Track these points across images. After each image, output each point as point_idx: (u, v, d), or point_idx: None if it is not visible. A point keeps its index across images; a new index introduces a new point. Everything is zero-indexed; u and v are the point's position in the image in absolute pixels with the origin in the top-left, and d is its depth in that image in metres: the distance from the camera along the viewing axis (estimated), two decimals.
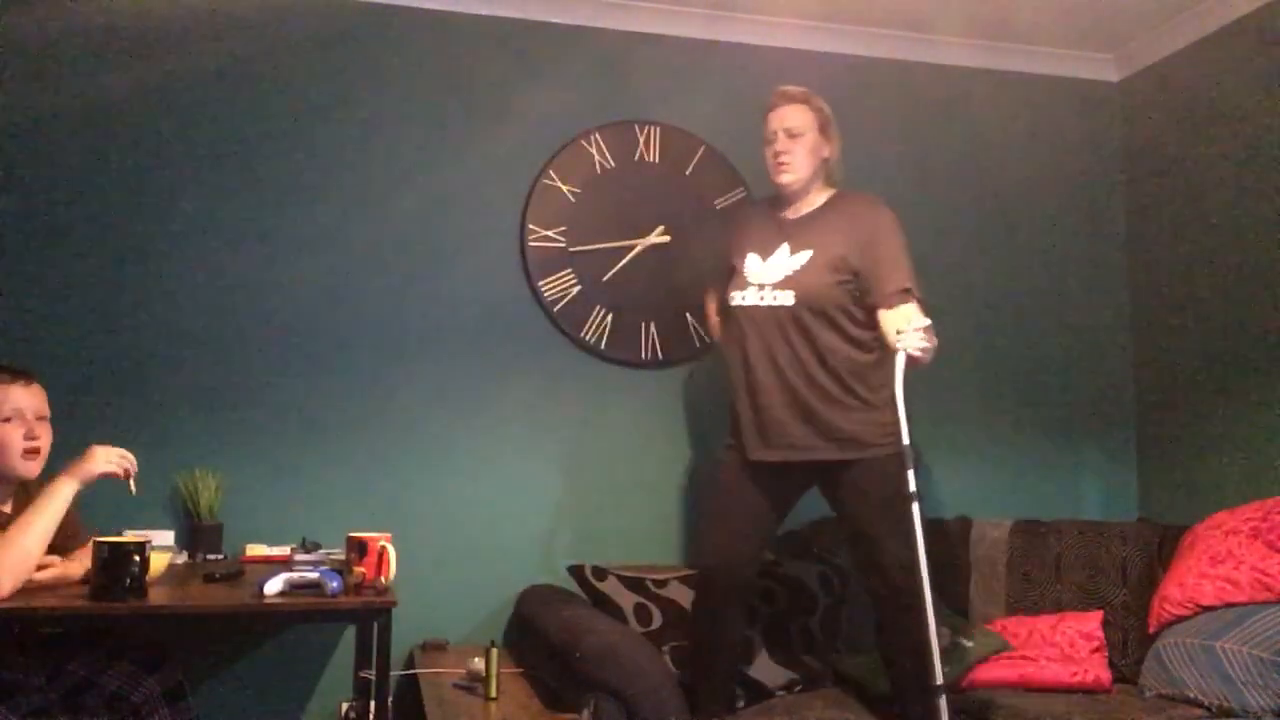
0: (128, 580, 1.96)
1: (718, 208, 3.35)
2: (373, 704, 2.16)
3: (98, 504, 2.35)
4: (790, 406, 2.47)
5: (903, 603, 2.33)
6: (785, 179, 2.56)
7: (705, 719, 2.44)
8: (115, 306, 2.93)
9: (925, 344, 2.23)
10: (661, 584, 2.81)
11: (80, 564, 2.14)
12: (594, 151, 3.30)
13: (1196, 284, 3.40)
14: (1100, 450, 3.61)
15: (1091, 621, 2.89)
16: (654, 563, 3.17)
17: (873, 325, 2.46)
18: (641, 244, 3.30)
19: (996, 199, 3.62)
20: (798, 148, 2.54)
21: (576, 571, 2.81)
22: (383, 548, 2.12)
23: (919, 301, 2.42)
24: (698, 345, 3.29)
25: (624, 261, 3.28)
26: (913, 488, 2.19)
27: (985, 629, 2.90)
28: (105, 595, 1.95)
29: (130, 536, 2.10)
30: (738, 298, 2.55)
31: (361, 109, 3.15)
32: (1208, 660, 2.50)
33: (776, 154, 2.56)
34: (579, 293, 3.24)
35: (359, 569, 2.12)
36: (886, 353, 2.42)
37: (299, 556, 2.66)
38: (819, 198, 2.60)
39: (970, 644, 2.76)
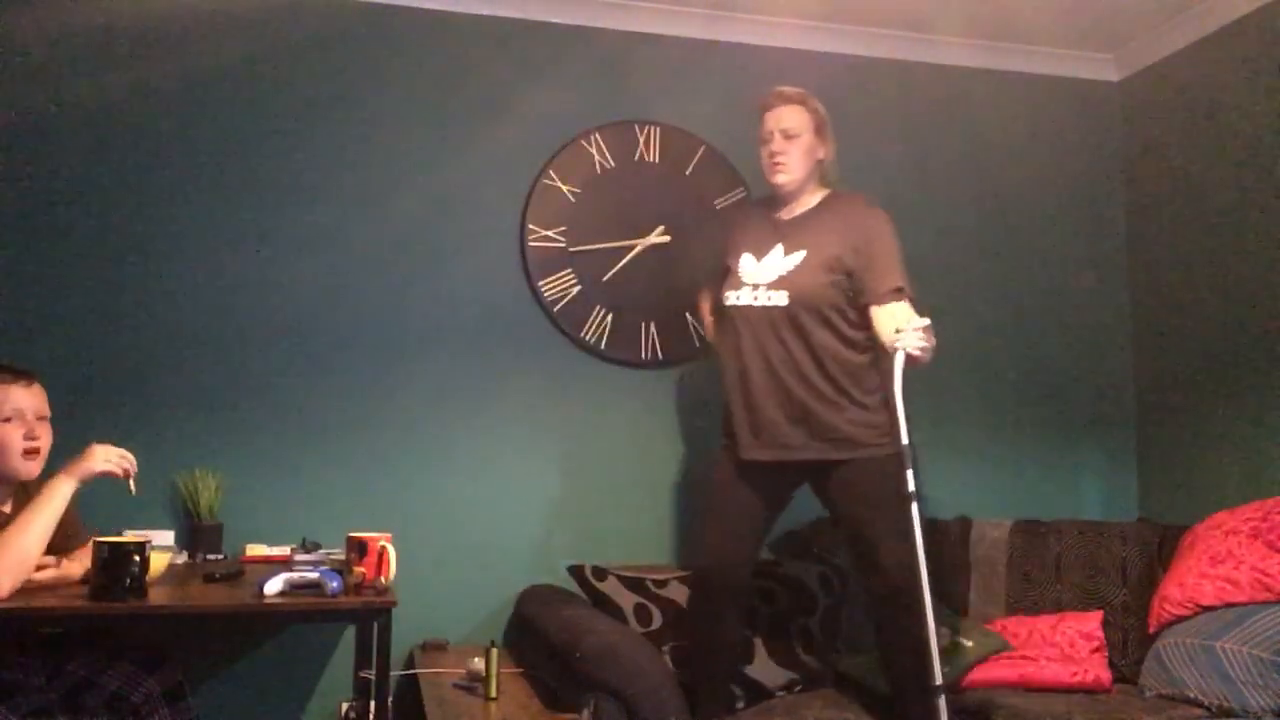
0: (128, 580, 1.96)
1: (718, 208, 3.35)
2: (373, 704, 2.16)
3: (98, 504, 2.36)
4: (784, 406, 2.47)
5: (902, 603, 2.33)
6: (780, 179, 2.57)
7: None
8: (115, 306, 2.93)
9: (924, 343, 2.23)
10: (661, 584, 2.81)
11: (80, 564, 2.14)
12: (594, 151, 3.30)
13: (1196, 284, 3.40)
14: (1100, 450, 3.61)
15: (1091, 621, 2.89)
16: (654, 563, 3.18)
17: (866, 326, 2.47)
18: (641, 244, 3.30)
19: (996, 199, 3.62)
20: (793, 148, 2.55)
21: (576, 571, 2.81)
22: (383, 548, 2.12)
23: (911, 301, 2.43)
24: (698, 345, 3.28)
25: (624, 261, 3.28)
26: (912, 487, 2.19)
27: (985, 629, 2.90)
28: (105, 595, 1.95)
29: (130, 536, 2.10)
30: (732, 298, 2.55)
31: (361, 109, 3.15)
32: (1208, 660, 2.50)
33: (772, 154, 2.56)
34: (579, 293, 3.24)
35: (359, 569, 2.12)
36: (880, 353, 2.43)
37: (299, 556, 2.66)
38: (813, 198, 2.61)
39: (970, 644, 2.76)
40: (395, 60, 3.19)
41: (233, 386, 2.98)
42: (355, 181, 3.13)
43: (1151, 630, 2.76)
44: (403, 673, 2.80)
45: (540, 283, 3.21)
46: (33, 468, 2.18)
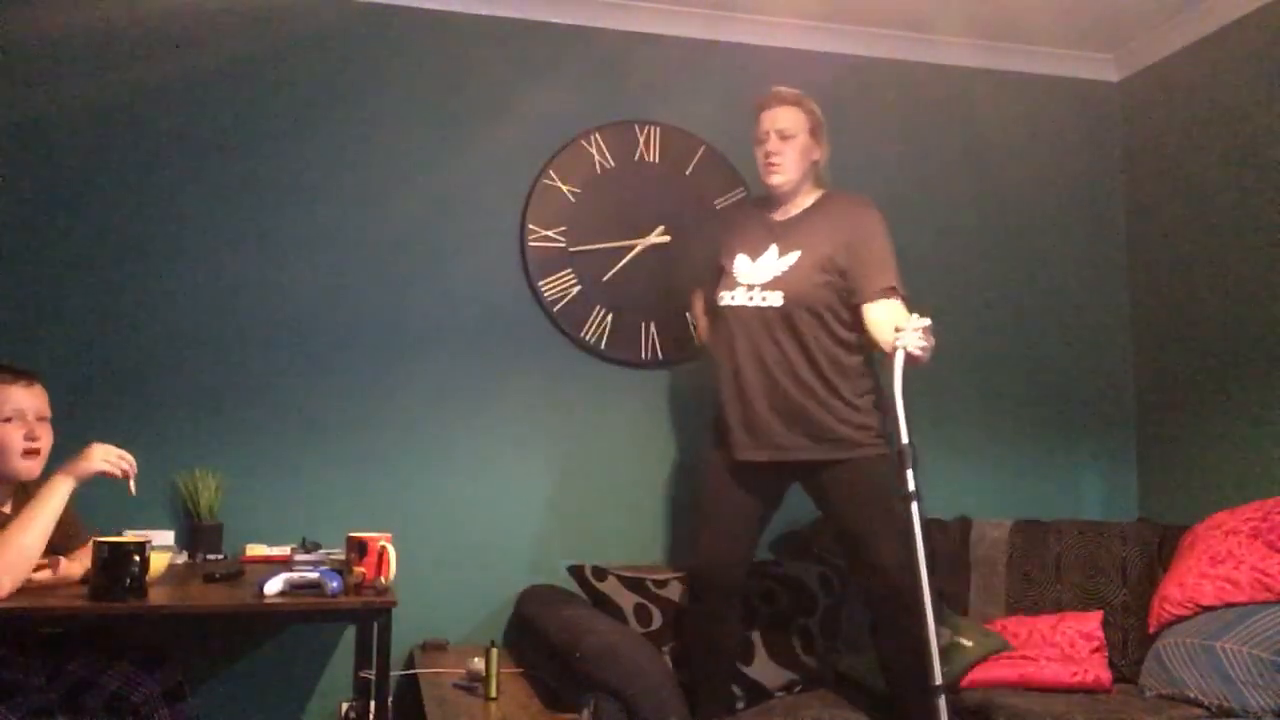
0: (128, 580, 1.96)
1: (718, 208, 3.35)
2: (373, 704, 2.16)
3: (98, 504, 2.36)
4: (777, 407, 2.48)
5: (901, 603, 2.34)
6: (775, 180, 2.57)
7: None
8: (115, 306, 2.93)
9: (924, 343, 2.23)
10: (661, 584, 2.81)
11: (80, 564, 2.14)
12: (594, 151, 3.30)
13: (1196, 284, 3.40)
14: (1100, 450, 3.61)
15: (1091, 621, 2.89)
16: (654, 563, 3.18)
17: (860, 326, 2.47)
18: (641, 244, 3.30)
19: (996, 199, 3.62)
20: (789, 149, 2.55)
21: (576, 571, 2.81)
22: (383, 548, 2.12)
23: (904, 300, 2.43)
24: (698, 345, 3.28)
25: (624, 261, 3.28)
26: (913, 487, 2.19)
27: (985, 629, 2.90)
28: (105, 595, 1.95)
29: (130, 536, 2.10)
30: (726, 298, 2.56)
31: (361, 109, 3.15)
32: (1208, 660, 2.50)
33: (767, 155, 2.57)
34: (579, 293, 3.24)
35: (359, 569, 2.11)
36: (874, 352, 2.44)
37: (299, 556, 2.66)
38: (807, 199, 2.61)
39: (970, 644, 2.76)
40: (395, 60, 3.19)
41: (233, 386, 2.98)
42: (355, 181, 3.13)
43: (1151, 630, 2.76)
44: (403, 673, 2.80)
45: (540, 283, 3.21)
46: (33, 468, 2.18)
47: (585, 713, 2.20)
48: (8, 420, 2.14)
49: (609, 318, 3.25)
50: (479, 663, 2.52)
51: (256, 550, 2.79)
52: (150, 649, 2.31)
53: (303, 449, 3.00)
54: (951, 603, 3.07)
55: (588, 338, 3.23)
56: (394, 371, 3.10)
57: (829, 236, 2.50)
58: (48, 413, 2.23)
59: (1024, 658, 2.76)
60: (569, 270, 3.24)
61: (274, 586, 2.05)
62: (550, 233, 3.23)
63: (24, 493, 2.17)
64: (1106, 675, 2.70)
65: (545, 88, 3.29)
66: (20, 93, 2.91)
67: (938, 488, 3.34)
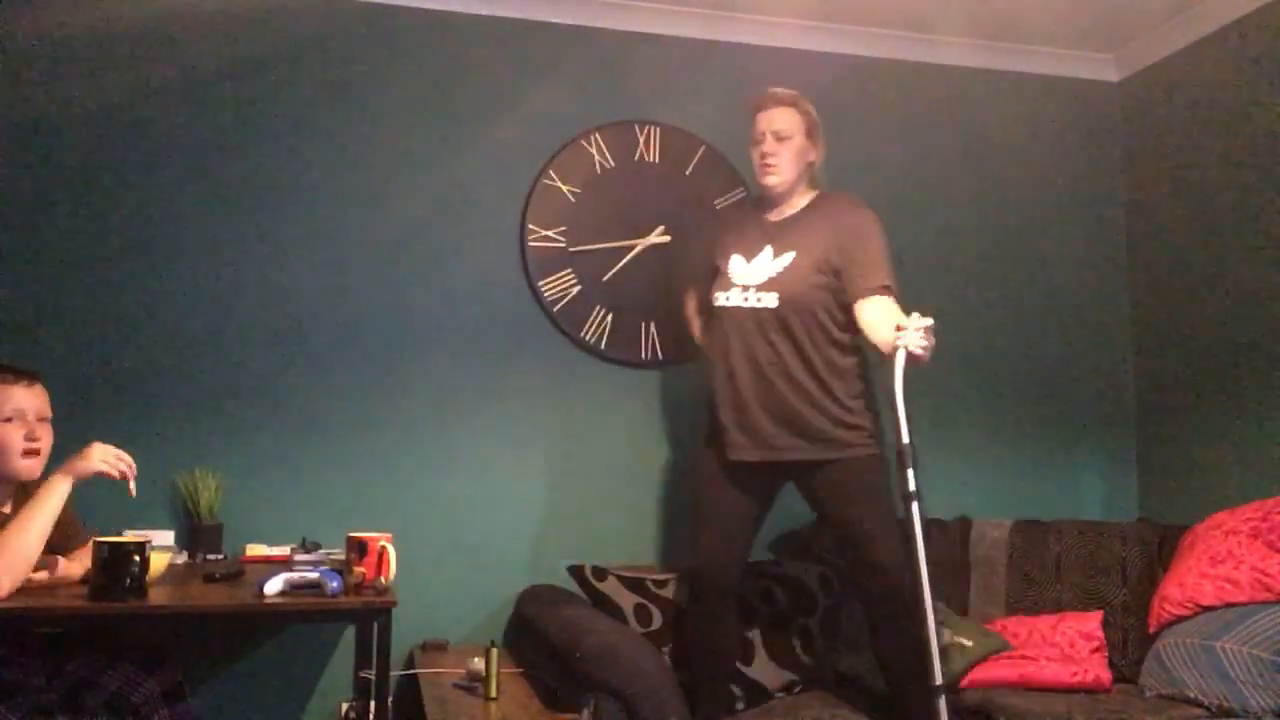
0: (128, 580, 1.96)
1: (718, 208, 3.35)
2: (373, 704, 2.16)
3: (98, 504, 2.36)
4: (771, 407, 2.48)
5: (900, 602, 2.34)
6: (770, 181, 2.57)
7: None
8: (115, 306, 2.93)
9: (925, 342, 2.23)
10: (661, 584, 2.81)
11: (80, 564, 2.14)
12: (594, 151, 3.30)
13: (1196, 284, 3.40)
14: (1100, 450, 3.61)
15: (1091, 621, 2.89)
16: (653, 563, 3.18)
17: (855, 328, 2.47)
18: (641, 244, 3.30)
19: (996, 199, 3.62)
20: (784, 150, 2.55)
21: (576, 571, 2.81)
22: (383, 548, 2.12)
23: (898, 299, 2.43)
24: (697, 345, 3.28)
25: (624, 261, 3.28)
26: (913, 487, 2.19)
27: (985, 629, 2.90)
28: (105, 595, 1.95)
29: (130, 536, 2.10)
30: (721, 298, 2.56)
31: (361, 109, 3.15)
32: (1208, 660, 2.50)
33: (763, 155, 2.57)
34: (579, 293, 3.24)
35: (359, 569, 2.11)
36: (870, 351, 2.43)
37: (299, 556, 2.66)
38: (802, 200, 2.61)
39: (969, 644, 2.76)
40: (395, 60, 3.19)
41: (233, 386, 2.98)
42: (355, 181, 3.13)
43: (1151, 630, 2.76)
44: (403, 673, 2.80)
45: (540, 283, 3.21)
46: (33, 468, 2.17)
47: (585, 713, 2.20)
48: (8, 420, 2.14)
49: (609, 318, 3.25)
50: (479, 663, 2.52)
51: (256, 550, 2.79)
52: (150, 649, 2.31)
53: (303, 449, 3.00)
54: (951, 603, 3.07)
55: (588, 338, 3.23)
56: (394, 371, 3.10)
57: (824, 237, 2.50)
58: (48, 413, 2.23)
59: (1024, 658, 2.76)
60: (569, 270, 3.24)
61: (274, 586, 2.05)
62: (550, 233, 3.23)
63: (24, 493, 2.17)
64: (1106, 675, 2.70)
65: (545, 88, 3.29)
66: (20, 93, 2.91)
67: (938, 488, 3.34)
